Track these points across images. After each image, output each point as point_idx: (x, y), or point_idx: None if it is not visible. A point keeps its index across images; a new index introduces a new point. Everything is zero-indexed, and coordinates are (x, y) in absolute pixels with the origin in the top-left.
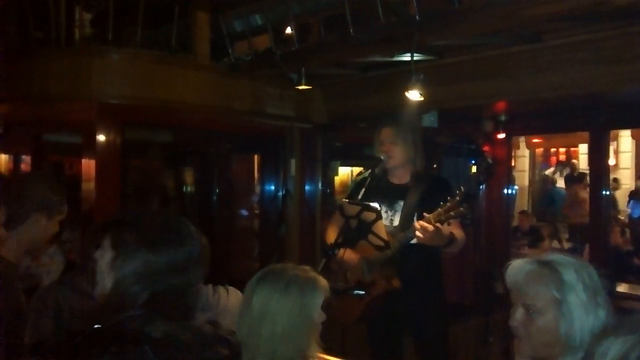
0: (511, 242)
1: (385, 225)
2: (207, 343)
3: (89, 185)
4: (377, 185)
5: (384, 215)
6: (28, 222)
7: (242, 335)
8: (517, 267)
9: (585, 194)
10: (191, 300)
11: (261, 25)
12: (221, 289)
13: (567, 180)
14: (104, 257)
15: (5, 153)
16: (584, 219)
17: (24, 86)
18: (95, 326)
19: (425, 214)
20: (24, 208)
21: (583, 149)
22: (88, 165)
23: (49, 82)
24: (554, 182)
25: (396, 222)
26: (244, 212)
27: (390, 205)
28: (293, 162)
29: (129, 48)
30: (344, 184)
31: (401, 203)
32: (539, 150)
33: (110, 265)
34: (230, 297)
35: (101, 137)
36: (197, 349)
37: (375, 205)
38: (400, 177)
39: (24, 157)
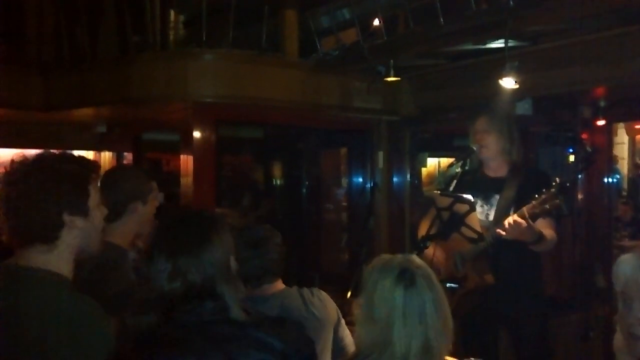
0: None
1: (480, 220)
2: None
3: (187, 180)
4: (472, 179)
5: (479, 209)
6: (127, 212)
7: (389, 340)
8: (635, 262)
9: None
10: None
11: (348, 19)
12: (306, 292)
13: None
14: None
15: (108, 151)
16: None
17: (124, 89)
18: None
19: (520, 209)
20: (120, 200)
21: None
22: (186, 161)
23: (147, 85)
24: None
25: (492, 217)
26: (333, 205)
27: (486, 199)
28: (381, 154)
29: (220, 49)
30: (431, 176)
31: (497, 197)
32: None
33: None
34: (315, 300)
35: (197, 135)
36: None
37: (469, 196)
38: (496, 169)
39: (125, 154)
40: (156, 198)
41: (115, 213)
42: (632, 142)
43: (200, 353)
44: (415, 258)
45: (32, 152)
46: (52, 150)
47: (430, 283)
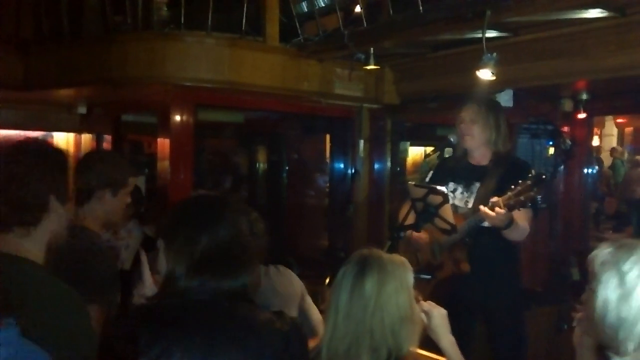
0: (591, 226)
1: (459, 207)
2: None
3: (164, 164)
4: (456, 165)
5: (459, 196)
6: (93, 199)
7: (348, 329)
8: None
9: None
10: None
11: (330, 5)
12: (272, 268)
13: None
14: None
15: (88, 132)
16: None
17: (104, 70)
18: None
19: (493, 199)
20: (88, 186)
21: None
22: (163, 144)
23: (127, 66)
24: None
25: (471, 204)
26: (313, 191)
27: (467, 187)
28: (362, 142)
29: (201, 31)
30: (416, 164)
31: (478, 185)
32: (629, 129)
33: None
34: (280, 277)
35: (175, 118)
36: None
37: (442, 188)
38: (480, 158)
39: (105, 136)
40: (128, 195)
41: (83, 197)
42: (621, 135)
43: (209, 333)
44: (378, 251)
45: (12, 133)
46: (34, 136)
47: (384, 276)
